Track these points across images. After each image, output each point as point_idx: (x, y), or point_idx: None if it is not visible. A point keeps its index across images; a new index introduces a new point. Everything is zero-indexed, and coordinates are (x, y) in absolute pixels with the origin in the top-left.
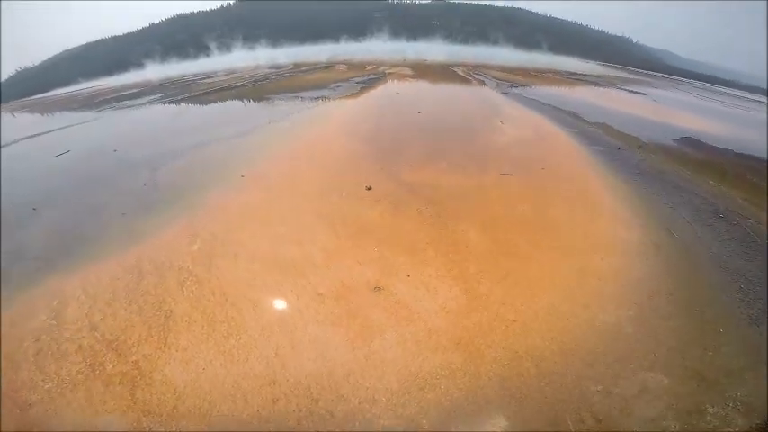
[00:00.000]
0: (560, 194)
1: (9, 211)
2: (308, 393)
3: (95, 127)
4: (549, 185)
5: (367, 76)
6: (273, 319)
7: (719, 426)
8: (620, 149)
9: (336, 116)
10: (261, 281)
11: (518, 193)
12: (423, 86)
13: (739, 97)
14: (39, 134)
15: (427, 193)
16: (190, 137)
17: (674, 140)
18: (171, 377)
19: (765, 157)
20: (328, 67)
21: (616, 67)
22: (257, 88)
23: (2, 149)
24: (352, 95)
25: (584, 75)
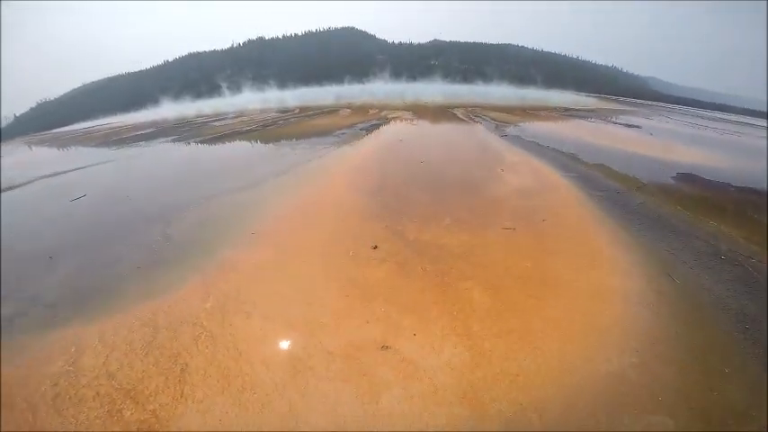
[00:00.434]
0: (561, 246)
1: (26, 257)
2: None
3: (111, 170)
4: (550, 238)
5: (370, 122)
6: (286, 375)
7: None
8: (620, 193)
9: (342, 168)
10: (273, 339)
11: (520, 248)
12: (424, 132)
13: (730, 122)
14: (56, 174)
15: (431, 252)
16: (201, 187)
17: (671, 178)
18: (188, 426)
19: (764, 189)
20: (333, 111)
21: (608, 99)
22: (265, 134)
23: (22, 188)
24: (357, 143)
25: (579, 110)
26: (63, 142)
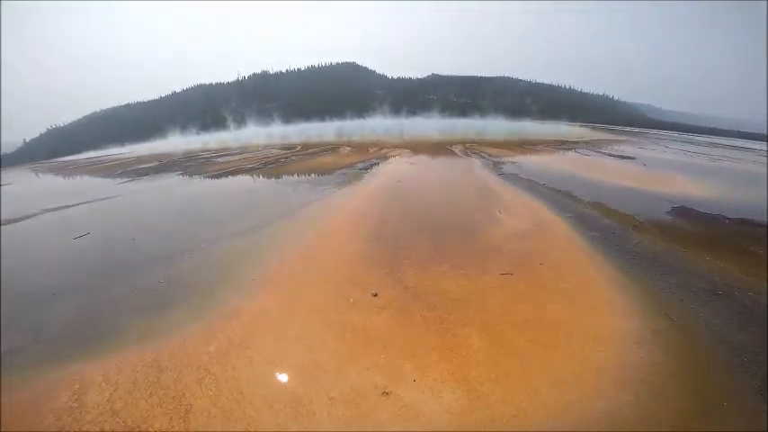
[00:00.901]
0: (559, 290)
1: (29, 292)
2: None
3: (115, 207)
4: (548, 281)
5: (370, 161)
6: (288, 418)
7: None
8: (616, 232)
9: (342, 211)
10: (276, 383)
11: (517, 293)
12: (423, 172)
13: (724, 146)
14: (60, 208)
15: (430, 298)
16: (204, 229)
17: (666, 213)
18: None
19: (758, 220)
20: (334, 148)
21: (602, 129)
22: (268, 172)
23: (27, 220)
24: (357, 185)
25: (574, 141)
26: (69, 171)
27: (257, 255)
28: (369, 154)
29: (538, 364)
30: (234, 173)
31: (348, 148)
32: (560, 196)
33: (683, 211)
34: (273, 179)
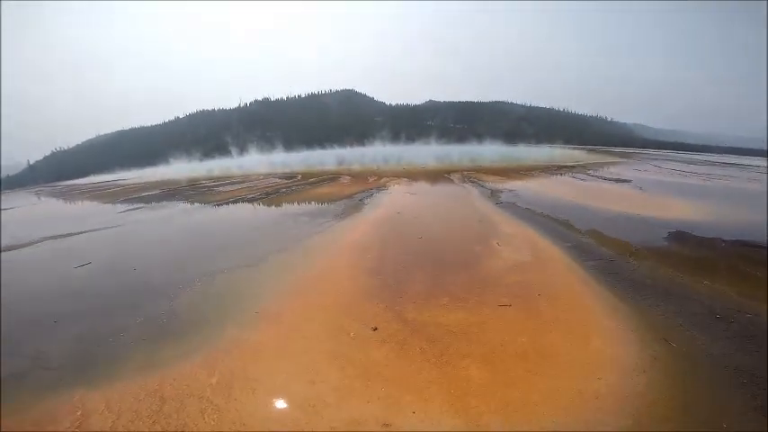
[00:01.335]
0: (557, 320)
1: (30, 319)
2: None
3: (117, 236)
4: (546, 312)
5: (369, 191)
6: None
7: None
8: (613, 260)
9: (342, 244)
10: (278, 415)
11: (516, 324)
12: (422, 203)
13: (717, 164)
14: (62, 236)
15: (430, 331)
16: (206, 261)
17: (663, 239)
18: None
19: (757, 241)
20: (334, 178)
21: (597, 150)
22: (269, 203)
23: (28, 248)
24: (357, 216)
25: (570, 166)
26: (72, 197)
27: (258, 288)
28: (368, 184)
29: (536, 393)
30: (236, 203)
31: (348, 178)
32: (558, 225)
33: (680, 236)
34: (274, 210)
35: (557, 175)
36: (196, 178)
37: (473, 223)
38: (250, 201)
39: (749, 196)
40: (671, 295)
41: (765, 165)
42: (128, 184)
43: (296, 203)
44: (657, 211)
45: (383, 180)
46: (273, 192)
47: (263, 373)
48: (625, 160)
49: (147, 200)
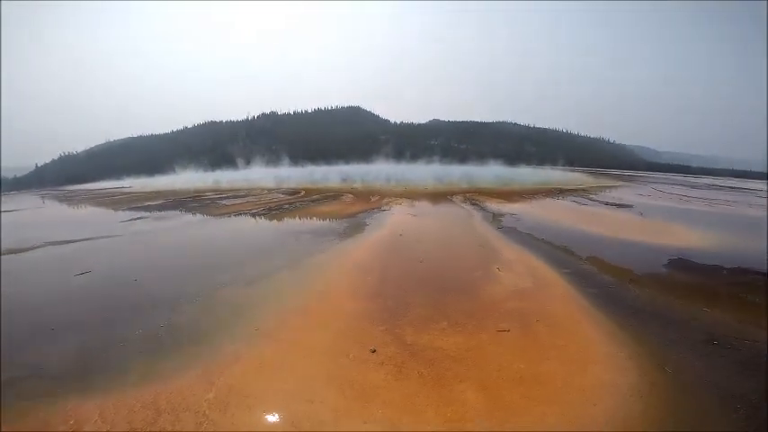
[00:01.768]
0: (555, 346)
1: (28, 326)
2: None
3: (119, 246)
4: (544, 338)
5: (371, 211)
6: None
7: None
8: (613, 287)
9: (343, 265)
10: None
11: (514, 349)
12: (424, 224)
13: (720, 188)
14: (63, 242)
15: (428, 355)
16: (207, 275)
17: (663, 266)
18: None
19: (756, 268)
20: (336, 196)
21: (599, 173)
22: (271, 219)
23: (29, 252)
24: (358, 237)
25: (572, 189)
26: (76, 201)
27: (259, 305)
28: (371, 203)
29: (532, 417)
30: (239, 218)
31: (351, 196)
32: (558, 251)
33: (681, 263)
34: (277, 227)
35: (558, 198)
36: (200, 189)
37: (474, 248)
38: (253, 216)
39: (750, 223)
40: (670, 322)
41: (766, 189)
42: (132, 192)
43: (299, 221)
44: (658, 237)
45: (386, 200)
46: (276, 208)
47: (260, 390)
48: (627, 184)
49: (151, 210)
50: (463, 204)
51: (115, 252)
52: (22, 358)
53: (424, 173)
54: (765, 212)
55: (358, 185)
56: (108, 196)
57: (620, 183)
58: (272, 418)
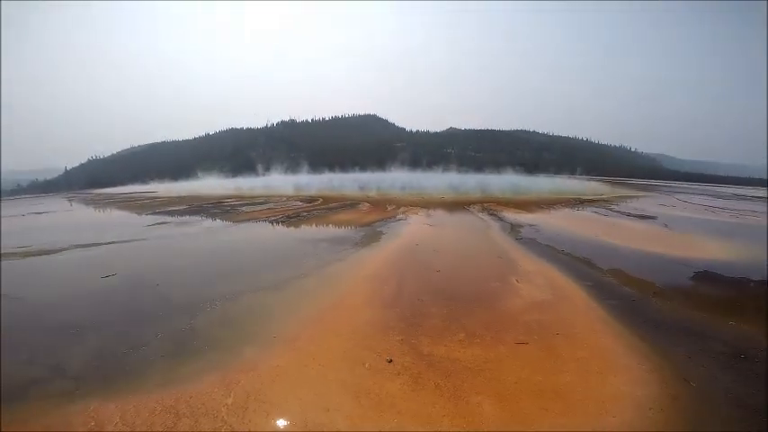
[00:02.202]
0: (574, 359)
1: (53, 326)
2: None
3: (143, 250)
4: (564, 351)
5: (388, 221)
6: None
7: None
8: (635, 300)
9: (360, 274)
10: None
11: (533, 361)
12: (440, 234)
13: (746, 198)
14: (91, 245)
15: (445, 366)
16: (227, 281)
17: (688, 279)
18: None
19: None
20: (353, 204)
21: (620, 183)
22: (290, 226)
23: (58, 254)
24: (375, 246)
25: (592, 200)
26: (102, 205)
27: (277, 312)
28: (387, 212)
29: (550, 429)
30: (258, 225)
31: (367, 205)
32: (579, 263)
33: (707, 276)
34: (295, 234)
35: (578, 209)
36: (221, 196)
37: (492, 259)
38: (272, 223)
39: None
40: (694, 335)
41: None
42: (156, 197)
43: (316, 229)
44: (683, 250)
45: (402, 209)
46: (295, 215)
47: (278, 397)
48: (649, 194)
49: (173, 213)
50: (480, 214)
51: (139, 256)
52: (46, 359)
53: (440, 181)
54: None
55: (374, 194)
56: (133, 200)
57: (642, 193)
58: (289, 424)
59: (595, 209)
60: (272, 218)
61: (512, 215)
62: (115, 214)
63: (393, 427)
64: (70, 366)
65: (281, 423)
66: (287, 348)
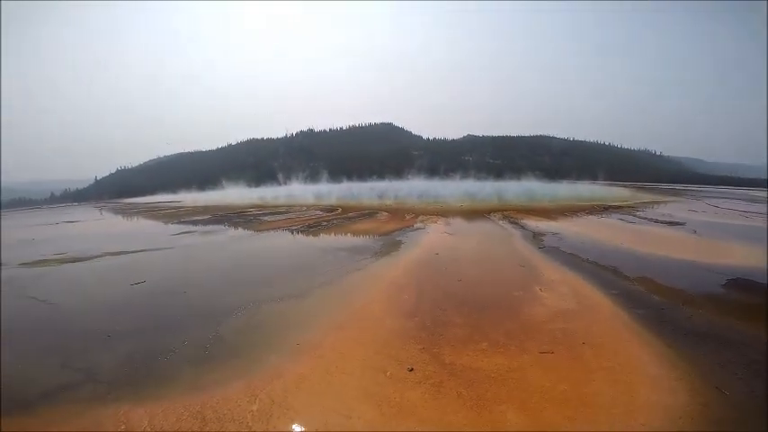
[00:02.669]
0: (601, 368)
1: (86, 332)
2: None
3: (170, 258)
4: (590, 360)
5: (406, 230)
6: None
7: None
8: (664, 308)
9: (380, 283)
10: None
11: (557, 371)
12: (460, 243)
13: None
14: (121, 253)
15: (467, 375)
16: (250, 290)
17: (721, 286)
18: None
19: None
20: (371, 214)
21: (646, 188)
22: (310, 235)
23: (90, 261)
24: (395, 255)
25: (617, 206)
26: (130, 214)
27: (299, 320)
28: (405, 221)
29: None
30: (280, 233)
31: (385, 214)
32: (604, 272)
33: (740, 284)
34: (316, 243)
35: (602, 215)
36: (244, 205)
37: (514, 267)
38: (293, 232)
39: None
40: (727, 344)
41: None
42: (181, 207)
43: (336, 238)
44: (714, 257)
45: (420, 218)
46: (315, 224)
47: (301, 404)
48: (676, 199)
49: (197, 223)
50: (501, 222)
51: (166, 264)
52: (78, 364)
53: (459, 189)
54: None
55: (392, 203)
56: (159, 210)
57: (670, 198)
58: (312, 431)
59: (620, 216)
60: (293, 227)
61: (533, 223)
62: (142, 223)
63: None
64: (102, 371)
65: (304, 430)
66: (310, 356)
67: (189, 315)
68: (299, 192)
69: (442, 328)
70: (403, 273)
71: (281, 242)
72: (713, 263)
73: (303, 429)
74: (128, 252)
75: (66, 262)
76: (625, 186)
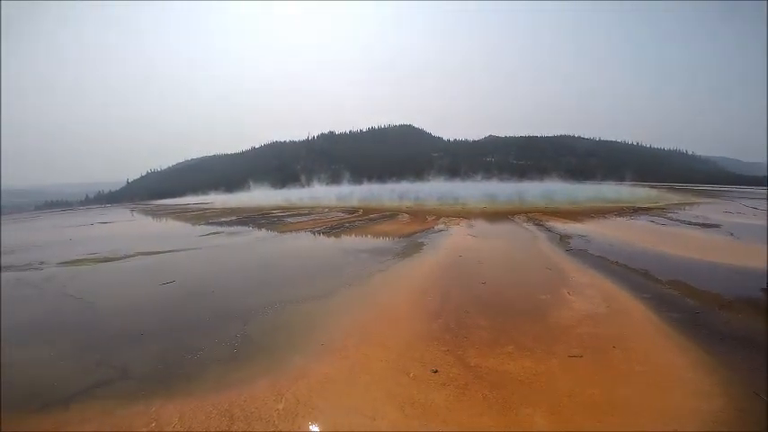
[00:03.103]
0: (633, 373)
1: (120, 330)
2: None
3: (198, 258)
4: (621, 365)
5: (428, 232)
6: None
7: None
8: (700, 313)
9: (403, 285)
10: None
11: (587, 375)
12: (484, 245)
13: None
14: (152, 253)
15: (493, 378)
16: (276, 290)
17: (761, 290)
18: None
19: None
20: (393, 215)
21: (677, 189)
22: (333, 237)
23: (124, 261)
24: (417, 257)
25: (647, 208)
26: (160, 215)
27: (323, 321)
28: (427, 223)
29: None
30: (303, 235)
31: (406, 216)
32: (635, 275)
33: None
34: (338, 245)
35: (632, 217)
36: (269, 207)
37: (541, 270)
38: (316, 234)
39: None
40: (766, 349)
41: None
42: (208, 208)
43: (358, 239)
44: (753, 260)
45: (442, 219)
46: (338, 226)
47: (326, 404)
48: (710, 200)
49: (223, 224)
50: (525, 224)
51: (195, 264)
52: (113, 362)
53: (481, 191)
54: None
55: (413, 204)
56: (187, 211)
57: (703, 199)
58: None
59: (651, 217)
60: (316, 228)
61: (560, 225)
62: (172, 224)
63: None
64: (135, 369)
65: (329, 430)
66: (334, 357)
67: (216, 314)
68: (320, 193)
69: (467, 330)
70: (426, 274)
71: (304, 243)
72: (751, 266)
73: (328, 429)
74: (158, 252)
75: (101, 261)
76: (655, 187)
